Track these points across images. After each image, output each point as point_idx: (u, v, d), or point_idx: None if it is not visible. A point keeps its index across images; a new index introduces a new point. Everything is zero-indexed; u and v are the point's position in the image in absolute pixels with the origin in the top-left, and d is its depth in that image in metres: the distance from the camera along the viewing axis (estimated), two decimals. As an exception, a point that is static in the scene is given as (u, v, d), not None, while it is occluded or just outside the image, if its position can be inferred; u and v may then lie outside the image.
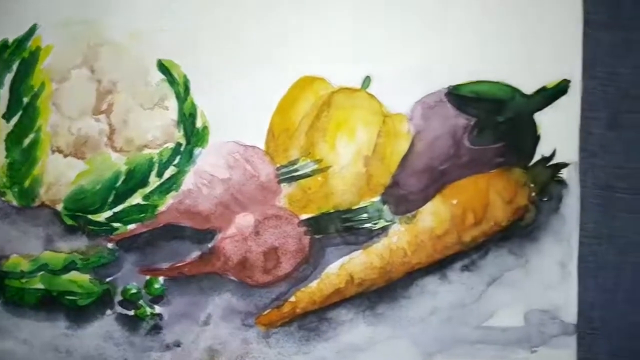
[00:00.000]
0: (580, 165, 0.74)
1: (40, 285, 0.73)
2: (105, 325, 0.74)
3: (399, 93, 0.73)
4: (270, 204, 0.73)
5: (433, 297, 0.74)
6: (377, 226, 0.73)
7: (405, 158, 0.73)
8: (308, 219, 0.73)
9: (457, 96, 0.73)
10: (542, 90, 0.73)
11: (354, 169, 0.72)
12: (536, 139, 0.74)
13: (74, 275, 0.73)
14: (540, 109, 0.73)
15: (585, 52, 0.73)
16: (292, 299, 0.73)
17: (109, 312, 0.74)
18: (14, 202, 0.74)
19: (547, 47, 0.73)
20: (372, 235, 0.73)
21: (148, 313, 0.74)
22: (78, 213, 0.73)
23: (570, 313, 0.74)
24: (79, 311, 0.74)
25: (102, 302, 0.74)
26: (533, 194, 0.74)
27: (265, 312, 0.73)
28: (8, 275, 0.73)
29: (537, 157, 0.74)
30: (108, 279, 0.74)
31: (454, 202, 0.73)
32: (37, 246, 0.74)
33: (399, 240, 0.73)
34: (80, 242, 0.73)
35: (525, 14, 0.73)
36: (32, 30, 0.72)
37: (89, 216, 0.73)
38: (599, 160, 0.74)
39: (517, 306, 0.74)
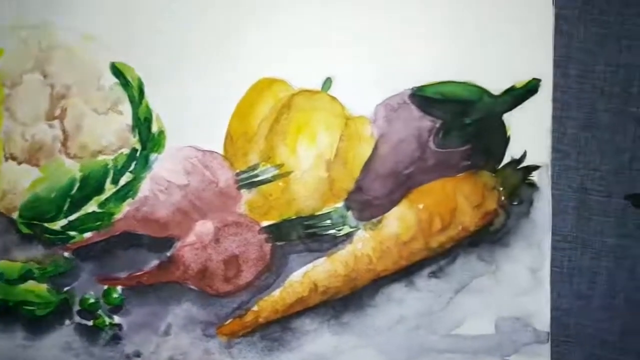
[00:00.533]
0: (552, 167, 0.72)
1: None
2: (64, 335, 0.72)
3: (361, 95, 0.70)
4: (231, 211, 0.71)
5: (400, 305, 0.72)
6: (341, 232, 0.71)
7: (368, 162, 0.70)
8: (269, 226, 0.71)
9: (422, 97, 0.70)
10: (511, 90, 0.70)
11: (316, 173, 0.70)
12: (505, 140, 0.71)
13: (30, 284, 0.71)
14: (509, 109, 0.71)
15: (556, 49, 0.70)
16: (255, 308, 0.71)
17: (67, 322, 0.72)
18: None
19: (515, 44, 0.70)
20: (336, 242, 0.71)
21: (107, 323, 0.72)
22: (34, 221, 0.71)
23: (543, 320, 0.72)
24: (36, 321, 0.72)
25: (60, 312, 0.72)
26: (502, 197, 0.72)
27: (227, 322, 0.71)
28: None
29: (506, 160, 0.72)
30: (66, 289, 0.72)
31: (420, 206, 0.71)
32: None
33: (364, 246, 0.71)
34: (37, 251, 0.72)
35: (493, 10, 0.70)
36: None
37: (45, 224, 0.71)
38: (573, 162, 0.72)
39: (487, 313, 0.72)
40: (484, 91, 0.71)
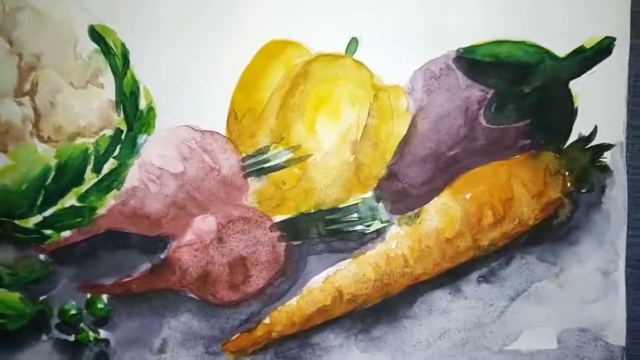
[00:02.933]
0: (627, 146, 0.64)
1: None
2: (41, 352, 0.64)
3: (394, 59, 0.63)
4: (236, 204, 0.63)
5: (443, 316, 0.64)
6: (371, 229, 0.64)
7: (403, 142, 0.63)
8: (283, 222, 0.64)
9: (470, 61, 0.63)
10: (579, 51, 0.63)
11: (340, 157, 0.63)
12: (572, 113, 0.64)
13: (0, 293, 0.63)
14: (577, 75, 0.63)
15: (634, 2, 0.63)
16: (267, 320, 0.63)
17: (44, 337, 0.64)
18: None
19: None
20: (364, 240, 0.64)
21: (91, 338, 0.64)
22: (2, 218, 0.62)
23: (616, 332, 0.65)
24: (8, 336, 0.63)
25: (36, 325, 0.64)
26: (568, 184, 0.65)
27: (234, 337, 0.64)
28: None
29: (573, 138, 0.64)
30: (42, 298, 0.64)
31: (467, 196, 0.63)
32: None
33: (399, 245, 0.63)
34: (7, 253, 0.64)
35: None
36: None
37: (15, 221, 0.62)
38: (653, 140, 0.67)
39: (548, 325, 0.65)
40: (546, 53, 0.63)
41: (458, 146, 0.63)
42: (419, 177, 0.64)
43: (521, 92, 0.63)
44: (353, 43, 0.63)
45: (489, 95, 0.63)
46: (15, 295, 0.64)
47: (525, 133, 0.64)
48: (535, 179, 0.64)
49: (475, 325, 0.65)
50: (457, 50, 0.63)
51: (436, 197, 0.64)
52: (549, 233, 0.65)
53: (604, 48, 0.63)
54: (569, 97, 0.64)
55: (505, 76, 0.63)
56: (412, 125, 0.63)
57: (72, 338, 0.64)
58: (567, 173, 0.65)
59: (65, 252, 0.64)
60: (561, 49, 0.63)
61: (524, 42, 0.63)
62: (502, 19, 0.63)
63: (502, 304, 0.65)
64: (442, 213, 0.64)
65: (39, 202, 0.62)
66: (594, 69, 0.64)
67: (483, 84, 0.63)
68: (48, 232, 0.63)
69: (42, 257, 0.64)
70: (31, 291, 0.64)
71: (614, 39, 0.63)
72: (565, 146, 0.65)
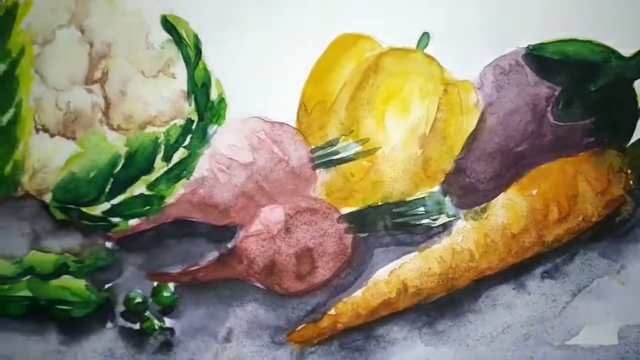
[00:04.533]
0: None
1: (26, 293, 0.62)
2: (106, 340, 0.63)
3: (464, 54, 0.63)
4: (304, 195, 0.63)
5: (507, 310, 0.64)
6: (437, 222, 0.64)
7: (472, 137, 0.63)
8: (351, 214, 0.63)
9: (539, 58, 0.62)
10: None
11: (408, 150, 0.62)
12: (635, 113, 0.64)
13: (66, 280, 0.62)
14: None
15: None
16: (332, 311, 0.62)
17: (109, 325, 0.64)
18: None
19: None
20: (430, 234, 0.64)
21: (156, 327, 0.63)
22: (69, 205, 0.61)
23: None
24: (73, 324, 0.63)
25: (101, 313, 0.63)
26: (631, 182, 0.65)
27: (299, 327, 0.63)
28: None
29: (636, 136, 0.65)
30: (107, 286, 0.64)
31: (534, 192, 0.63)
32: (22, 245, 0.62)
33: (465, 240, 0.63)
34: (73, 240, 0.63)
35: None
36: None
37: (83, 209, 0.61)
38: None
39: (610, 321, 0.64)
40: (612, 52, 0.63)
41: (525, 142, 0.62)
42: (486, 172, 0.63)
43: (587, 90, 0.62)
44: (424, 38, 0.63)
45: (556, 93, 0.62)
46: (81, 283, 0.63)
47: (590, 131, 0.63)
48: (599, 176, 0.63)
49: (538, 320, 0.63)
50: (527, 47, 0.62)
51: (503, 193, 0.63)
52: (611, 230, 0.65)
53: (670, 48, 0.61)
54: (633, 96, 0.63)
55: (573, 74, 0.62)
56: (481, 120, 0.62)
57: (136, 326, 0.63)
58: (629, 171, 0.64)
59: (132, 240, 0.63)
60: (627, 49, 0.63)
61: (590, 41, 0.62)
62: (570, 17, 0.63)
63: (564, 300, 0.64)
64: (508, 208, 0.63)
65: (107, 190, 0.61)
66: (659, 69, 0.61)
67: (551, 81, 0.62)
68: (115, 219, 0.62)
69: (108, 244, 0.63)
70: (96, 279, 0.63)
71: (681, 40, 0.61)
72: (629, 145, 0.64)
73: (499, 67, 0.62)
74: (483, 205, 0.64)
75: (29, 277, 0.62)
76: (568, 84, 0.62)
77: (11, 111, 0.61)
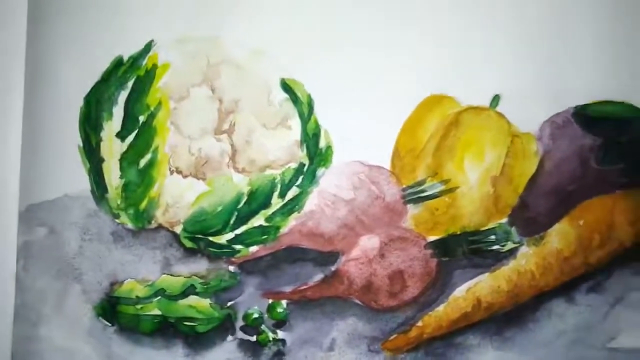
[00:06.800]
0: None
1: (156, 311, 0.64)
2: (226, 351, 0.64)
3: (527, 112, 0.65)
4: (396, 226, 0.64)
5: (560, 319, 0.65)
6: (505, 248, 0.65)
7: (533, 178, 0.65)
8: (435, 241, 0.64)
9: (584, 116, 0.65)
10: None
11: (482, 189, 0.64)
12: None
13: (192, 300, 0.64)
14: None
15: None
16: (419, 323, 0.64)
17: (229, 338, 0.64)
18: (129, 225, 0.64)
19: None
20: (499, 258, 0.65)
21: (270, 338, 0.64)
22: (198, 235, 0.63)
23: None
24: (198, 338, 0.64)
25: (222, 327, 0.64)
26: None
27: (392, 337, 0.64)
28: (122, 301, 0.64)
29: None
30: (229, 304, 0.64)
31: (581, 222, 0.65)
32: (154, 270, 0.64)
33: (527, 262, 0.65)
34: (200, 266, 0.64)
35: None
36: (148, 47, 0.64)
37: (210, 238, 0.63)
38: None
39: None
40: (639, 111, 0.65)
41: (574, 183, 0.65)
42: (544, 206, 0.65)
43: (621, 141, 0.65)
44: (495, 98, 0.65)
45: (597, 143, 0.65)
46: (206, 302, 0.64)
47: (624, 173, 0.66)
48: (631, 210, 0.66)
49: (584, 327, 0.65)
50: (575, 107, 0.65)
51: (557, 223, 0.65)
52: None
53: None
54: None
55: (610, 128, 0.65)
56: (540, 165, 0.65)
57: (253, 338, 0.64)
58: None
59: (252, 264, 0.65)
60: None
61: (623, 102, 0.65)
62: (609, 83, 0.66)
63: (604, 310, 0.66)
64: (561, 236, 0.65)
65: (232, 222, 0.63)
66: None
67: (593, 134, 0.65)
68: (238, 247, 0.64)
69: (231, 268, 0.65)
70: (220, 298, 0.64)
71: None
72: None
73: (554, 122, 0.65)
74: (542, 234, 0.65)
75: (159, 297, 0.64)
76: (606, 136, 0.65)
77: (148, 156, 0.63)
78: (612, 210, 0.66)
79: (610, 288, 0.67)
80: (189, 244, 0.65)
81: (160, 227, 0.65)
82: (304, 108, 0.64)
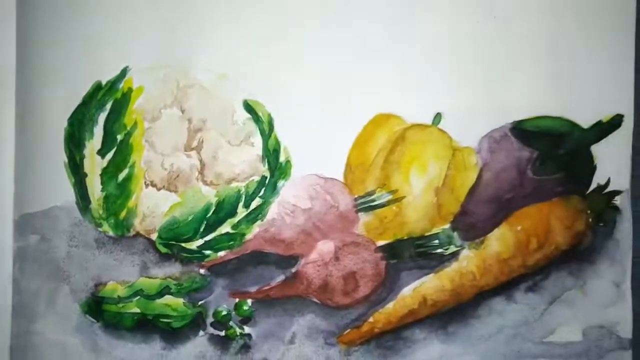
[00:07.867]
0: (631, 192, 0.69)
1: (136, 310, 0.68)
2: (198, 345, 0.68)
3: (467, 128, 0.67)
4: (349, 232, 0.67)
5: (500, 316, 0.68)
6: (448, 251, 0.68)
7: (473, 188, 0.67)
8: (384, 246, 0.67)
9: (521, 131, 0.67)
10: (598, 124, 0.68)
11: (426, 198, 0.67)
12: (592, 169, 0.69)
13: (168, 299, 0.68)
14: (596, 141, 0.68)
15: (637, 89, 0.69)
16: (371, 319, 0.67)
17: (201, 333, 0.68)
18: (110, 233, 0.69)
19: (602, 84, 0.68)
20: (443, 260, 0.67)
21: (238, 333, 0.68)
22: (171, 242, 0.68)
23: (625, 329, 0.69)
24: (173, 333, 0.68)
25: (195, 324, 0.68)
26: (590, 220, 0.69)
27: (346, 332, 0.67)
28: (106, 300, 0.69)
29: (593, 186, 0.69)
30: (200, 302, 0.68)
31: (519, 228, 0.67)
32: (133, 273, 0.69)
33: (468, 264, 0.67)
34: (174, 269, 0.68)
35: (582, 55, 0.69)
36: (123, 72, 0.68)
37: (182, 244, 0.68)
38: (649, 188, 0.65)
39: (576, 323, 0.69)
40: (575, 125, 0.68)
41: (512, 192, 0.67)
42: (484, 213, 0.67)
43: (557, 153, 0.67)
44: (438, 116, 0.67)
45: (534, 155, 0.67)
46: (180, 301, 0.68)
47: (560, 182, 0.68)
48: (567, 215, 0.68)
49: (523, 323, 0.68)
50: (513, 122, 0.67)
51: (496, 229, 0.68)
52: (576, 255, 0.69)
53: (615, 122, 0.68)
54: (590, 157, 0.68)
55: (546, 142, 0.67)
56: (479, 176, 0.67)
57: (222, 333, 0.68)
58: (589, 212, 0.68)
59: (220, 267, 0.68)
60: (586, 122, 0.68)
61: (560, 118, 0.67)
62: (545, 99, 0.68)
63: (542, 307, 0.68)
64: (500, 240, 0.67)
65: (201, 230, 0.67)
66: (608, 137, 0.68)
67: (530, 147, 0.67)
68: (208, 252, 0.68)
69: (202, 271, 0.68)
70: (192, 297, 0.68)
71: (622, 116, 0.68)
72: (588, 192, 0.69)
73: (492, 137, 0.67)
74: (482, 238, 0.68)
75: (138, 297, 0.68)
76: (543, 149, 0.67)
77: (126, 171, 0.68)
78: (549, 216, 0.68)
79: (548, 288, 0.69)
80: (163, 249, 0.69)
81: (138, 234, 0.69)
82: (265, 126, 0.68)
